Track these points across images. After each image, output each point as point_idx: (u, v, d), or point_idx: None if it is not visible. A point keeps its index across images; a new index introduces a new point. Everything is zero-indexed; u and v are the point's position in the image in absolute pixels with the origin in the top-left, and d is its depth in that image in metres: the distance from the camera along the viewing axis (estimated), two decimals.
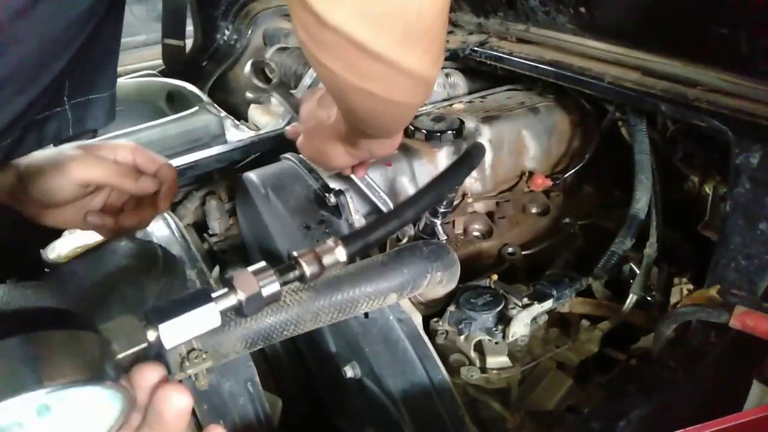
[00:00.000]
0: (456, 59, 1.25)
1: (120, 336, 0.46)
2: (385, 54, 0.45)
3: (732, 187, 0.80)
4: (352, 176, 0.98)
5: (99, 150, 0.72)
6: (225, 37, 1.89)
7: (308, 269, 0.59)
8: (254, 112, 1.60)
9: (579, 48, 1.01)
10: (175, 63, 1.79)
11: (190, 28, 1.90)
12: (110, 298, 0.63)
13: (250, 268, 0.56)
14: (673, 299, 0.91)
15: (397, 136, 0.83)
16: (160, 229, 0.90)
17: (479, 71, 1.29)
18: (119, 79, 1.39)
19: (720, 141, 0.84)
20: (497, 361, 0.82)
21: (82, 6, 0.52)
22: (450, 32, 1.27)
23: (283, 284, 0.58)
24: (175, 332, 0.51)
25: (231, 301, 0.55)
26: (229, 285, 0.55)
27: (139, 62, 2.10)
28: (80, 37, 0.57)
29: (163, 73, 1.78)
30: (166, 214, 0.94)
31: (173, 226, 0.91)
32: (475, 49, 1.17)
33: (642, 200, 0.97)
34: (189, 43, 1.88)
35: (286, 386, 1.03)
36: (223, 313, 0.54)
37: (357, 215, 0.94)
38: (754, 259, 0.76)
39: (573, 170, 1.17)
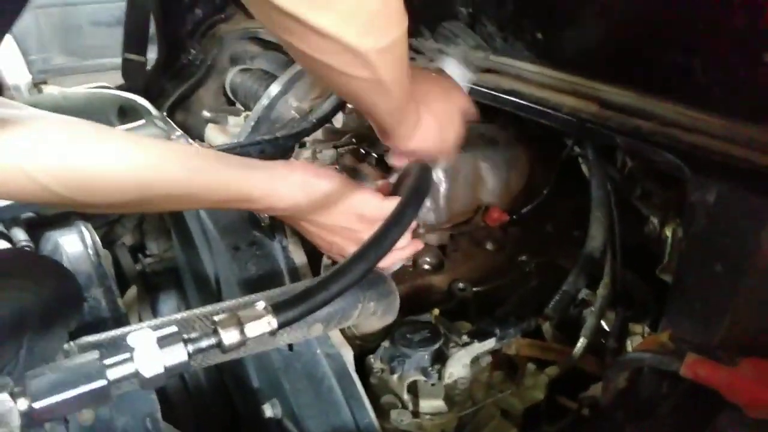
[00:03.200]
0: None
1: None
2: (325, 29, 0.48)
3: (687, 226, 0.75)
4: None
5: None
6: (190, 57, 1.84)
7: (227, 338, 0.51)
8: (211, 131, 1.54)
9: (537, 77, 0.97)
10: (135, 79, 1.73)
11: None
12: None
13: (158, 332, 0.49)
14: (632, 347, 0.85)
15: (409, 136, 0.74)
16: (71, 244, 0.82)
17: None
18: (69, 89, 1.32)
19: (678, 180, 0.80)
20: (431, 404, 0.74)
21: None
22: (411, 59, 1.24)
23: (194, 354, 0.50)
24: (52, 408, 0.45)
25: (127, 369, 0.48)
26: (129, 349, 0.48)
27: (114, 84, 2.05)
28: None
29: (122, 89, 1.71)
30: (82, 227, 0.86)
31: (88, 241, 0.83)
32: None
33: (597, 238, 0.92)
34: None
35: (207, 423, 0.93)
36: (115, 382, 0.47)
37: (293, 238, 0.87)
38: (708, 303, 0.70)
39: (531, 206, 1.12)
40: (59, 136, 0.60)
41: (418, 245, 0.79)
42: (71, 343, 0.62)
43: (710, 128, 0.74)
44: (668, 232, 0.95)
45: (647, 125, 0.81)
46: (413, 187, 0.67)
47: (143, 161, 0.63)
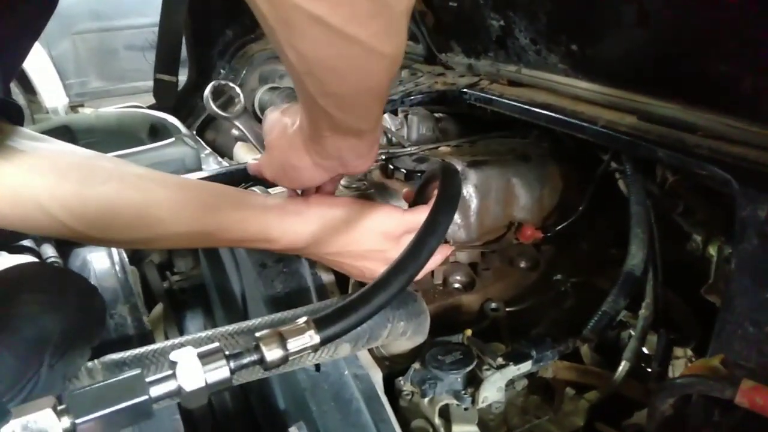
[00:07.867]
0: (445, 102, 1.19)
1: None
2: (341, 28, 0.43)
3: (737, 243, 0.71)
4: None
5: None
6: (220, 77, 1.87)
7: (269, 354, 0.50)
8: (239, 150, 1.55)
9: (572, 90, 0.94)
10: (166, 99, 1.75)
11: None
12: None
13: (200, 349, 0.48)
14: (677, 373, 0.80)
15: (369, 142, 0.67)
16: (99, 261, 0.81)
17: (475, 119, 1.24)
18: (102, 109, 1.34)
19: (723, 196, 0.76)
20: (464, 430, 0.71)
21: None
22: (441, 74, 1.22)
23: (235, 370, 0.49)
24: (94, 425, 0.44)
25: (169, 385, 0.47)
26: (171, 365, 0.47)
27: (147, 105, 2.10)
28: None
29: (153, 109, 1.74)
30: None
31: (115, 258, 0.83)
32: (465, 91, 1.11)
33: (637, 256, 0.88)
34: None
35: None
36: (157, 398, 0.46)
37: None
38: (763, 326, 0.65)
39: (566, 223, 1.08)
40: (77, 172, 0.59)
41: (448, 249, 0.76)
42: (95, 361, 0.61)
43: (760, 140, 0.70)
44: (713, 250, 0.90)
45: (691, 138, 0.77)
46: (443, 192, 0.63)
47: (160, 200, 0.62)
